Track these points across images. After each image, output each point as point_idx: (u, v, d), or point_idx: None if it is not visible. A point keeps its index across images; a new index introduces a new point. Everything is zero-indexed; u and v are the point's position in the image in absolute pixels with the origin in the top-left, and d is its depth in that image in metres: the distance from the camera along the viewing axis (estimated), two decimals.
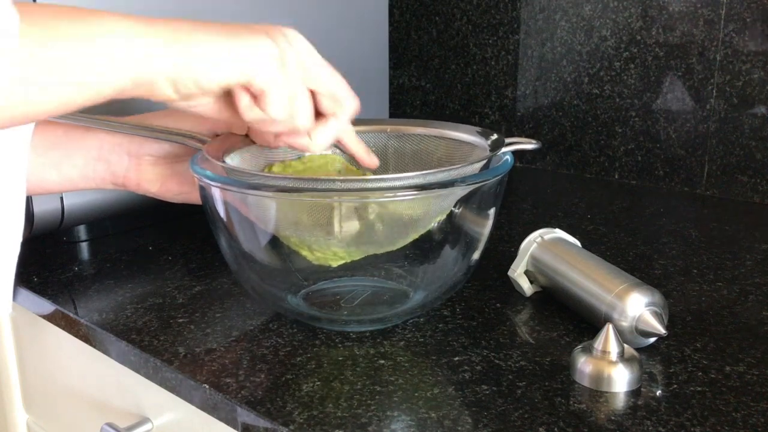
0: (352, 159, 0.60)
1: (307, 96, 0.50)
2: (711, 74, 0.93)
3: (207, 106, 0.50)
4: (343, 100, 0.52)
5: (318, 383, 0.49)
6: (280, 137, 0.53)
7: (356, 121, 0.65)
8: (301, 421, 0.45)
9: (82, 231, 0.79)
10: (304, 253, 0.56)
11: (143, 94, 0.47)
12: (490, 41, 1.13)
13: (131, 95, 0.46)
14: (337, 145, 0.58)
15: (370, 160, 0.59)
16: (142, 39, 0.45)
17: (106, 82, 0.44)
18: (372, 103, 1.01)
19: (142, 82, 0.45)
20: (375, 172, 0.63)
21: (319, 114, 0.53)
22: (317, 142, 0.53)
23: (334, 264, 0.57)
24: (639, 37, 0.98)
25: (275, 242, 0.56)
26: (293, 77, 0.49)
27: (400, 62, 1.26)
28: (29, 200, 0.68)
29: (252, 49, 0.47)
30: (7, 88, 0.41)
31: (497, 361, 0.52)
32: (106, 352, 0.59)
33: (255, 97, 0.49)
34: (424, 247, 0.58)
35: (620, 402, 0.47)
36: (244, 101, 0.48)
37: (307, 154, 0.63)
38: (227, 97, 0.50)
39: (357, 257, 0.57)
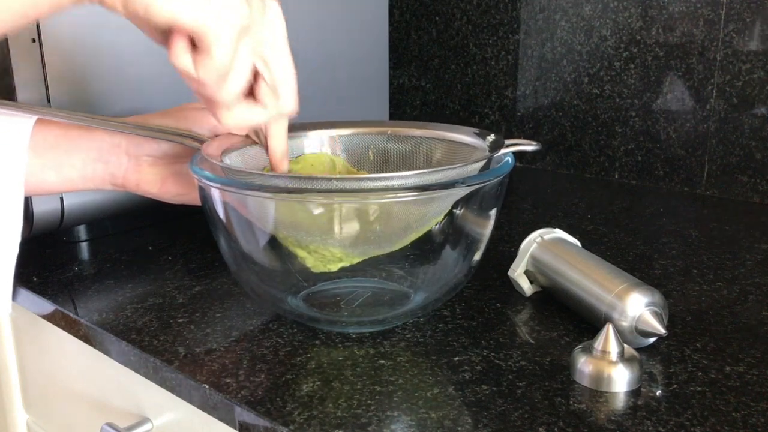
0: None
1: (245, 75, 0.47)
2: (711, 74, 0.93)
3: (145, 29, 0.46)
4: (282, 97, 0.49)
5: (318, 383, 0.50)
6: (198, 92, 0.49)
7: (357, 123, 0.65)
8: (301, 421, 0.45)
9: (82, 231, 0.79)
10: (303, 255, 0.56)
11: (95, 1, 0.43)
12: (490, 41, 1.13)
13: (83, 2, 0.43)
14: (258, 136, 0.54)
15: (281, 165, 0.56)
16: None
17: None
18: (372, 103, 1.01)
19: None
20: (375, 173, 0.63)
21: (252, 97, 0.49)
22: (230, 119, 0.49)
23: (334, 268, 0.57)
24: (639, 37, 0.98)
25: (275, 243, 0.56)
26: (244, 51, 0.45)
27: (400, 62, 1.26)
28: (29, 200, 0.68)
29: (221, 4, 0.43)
30: None
31: (497, 361, 0.52)
32: (106, 352, 0.59)
33: (194, 47, 0.45)
34: (425, 248, 0.58)
35: (620, 402, 0.47)
36: (179, 46, 0.44)
37: (301, 153, 0.63)
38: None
39: (356, 260, 0.57)
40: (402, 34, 1.25)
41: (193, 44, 0.45)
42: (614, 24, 1.00)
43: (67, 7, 0.43)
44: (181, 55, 0.45)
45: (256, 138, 0.56)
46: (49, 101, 0.69)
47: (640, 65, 0.98)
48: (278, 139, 0.54)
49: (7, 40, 0.65)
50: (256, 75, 0.49)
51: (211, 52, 0.44)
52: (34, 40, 0.67)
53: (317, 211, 0.52)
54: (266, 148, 0.56)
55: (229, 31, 0.44)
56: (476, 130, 0.60)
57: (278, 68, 0.48)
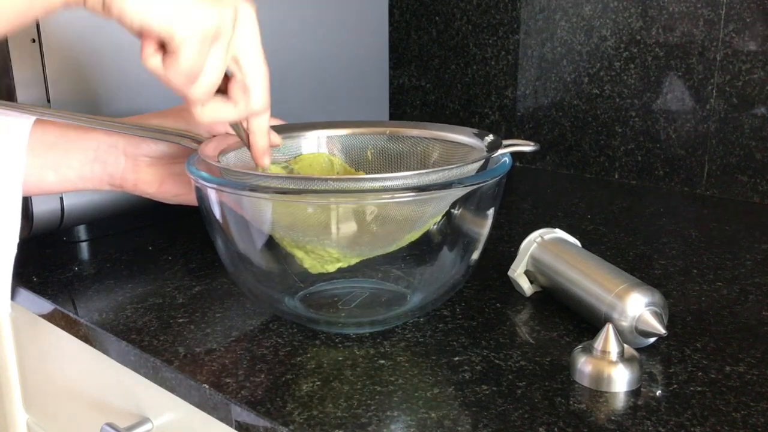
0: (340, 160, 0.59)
1: (216, 78, 0.49)
2: (711, 74, 0.93)
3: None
4: (253, 95, 0.51)
5: (318, 383, 0.49)
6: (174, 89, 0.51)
7: (355, 123, 0.65)
8: (301, 421, 0.45)
9: (82, 231, 0.79)
10: (300, 255, 0.56)
11: (80, 3, 0.46)
12: (490, 41, 1.13)
13: (75, 4, 0.46)
14: (240, 133, 0.56)
15: (261, 160, 0.57)
16: None
17: None
18: (372, 103, 1.01)
19: None
20: (373, 173, 0.63)
21: (226, 94, 0.52)
22: (204, 114, 0.51)
23: (332, 269, 0.57)
24: (639, 37, 0.98)
25: (271, 244, 0.56)
26: (215, 55, 0.47)
27: (400, 62, 1.26)
28: (29, 200, 0.68)
29: (191, 8, 0.45)
30: None
31: (497, 361, 0.52)
32: (106, 352, 0.59)
33: (163, 49, 0.47)
34: (423, 249, 0.58)
35: (620, 402, 0.47)
36: (148, 48, 0.47)
37: (299, 153, 0.63)
38: None
39: (353, 261, 0.57)
40: (402, 34, 1.25)
41: (163, 46, 0.47)
42: (614, 24, 1.00)
43: (56, 9, 0.46)
44: (149, 57, 0.47)
45: (238, 134, 0.57)
46: (48, 101, 0.69)
47: (640, 65, 0.98)
48: (257, 135, 0.55)
49: (7, 40, 0.65)
50: (227, 78, 0.51)
51: (178, 55, 0.46)
52: (34, 40, 0.67)
53: (315, 212, 0.52)
54: (248, 145, 0.57)
55: (197, 37, 0.46)
56: (475, 130, 0.60)
57: (249, 68, 0.50)
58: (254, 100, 0.52)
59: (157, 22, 0.45)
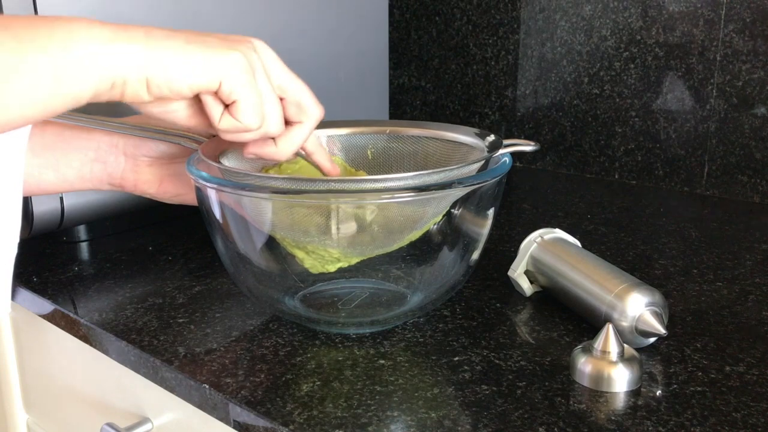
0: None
1: (277, 102, 0.51)
2: (711, 74, 0.93)
3: (180, 112, 0.51)
4: (308, 108, 0.53)
5: (318, 383, 0.49)
6: (249, 147, 0.54)
7: (355, 122, 0.65)
8: (301, 421, 0.45)
9: (82, 231, 0.79)
10: (301, 256, 0.56)
11: (117, 96, 0.47)
12: (490, 41, 1.13)
13: (107, 98, 0.47)
14: (300, 152, 0.58)
15: (332, 168, 0.59)
16: (118, 44, 0.45)
17: (84, 88, 0.45)
18: (372, 103, 1.01)
19: (118, 84, 0.46)
20: (373, 173, 0.63)
21: (284, 122, 0.54)
22: (283, 149, 0.53)
23: (332, 269, 0.57)
24: (639, 37, 0.98)
25: (271, 244, 0.56)
26: (262, 84, 0.50)
27: (400, 62, 1.26)
28: (29, 200, 0.68)
29: (222, 56, 0.48)
30: None
31: (497, 361, 0.52)
32: (105, 352, 0.59)
33: (227, 107, 0.50)
34: (423, 249, 0.58)
35: (620, 402, 0.47)
36: (216, 111, 0.49)
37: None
38: (199, 105, 0.51)
39: (354, 260, 0.57)
40: (402, 34, 1.25)
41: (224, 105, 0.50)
42: (614, 24, 1.00)
43: (83, 102, 0.46)
44: (224, 119, 0.49)
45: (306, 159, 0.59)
46: None
47: (640, 65, 0.98)
48: (316, 154, 0.58)
49: None
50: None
51: (239, 95, 0.48)
52: None
53: (315, 213, 0.52)
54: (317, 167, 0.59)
55: (239, 71, 0.48)
56: (476, 130, 0.60)
57: (291, 87, 0.52)
58: (311, 111, 0.53)
59: (204, 75, 0.47)
